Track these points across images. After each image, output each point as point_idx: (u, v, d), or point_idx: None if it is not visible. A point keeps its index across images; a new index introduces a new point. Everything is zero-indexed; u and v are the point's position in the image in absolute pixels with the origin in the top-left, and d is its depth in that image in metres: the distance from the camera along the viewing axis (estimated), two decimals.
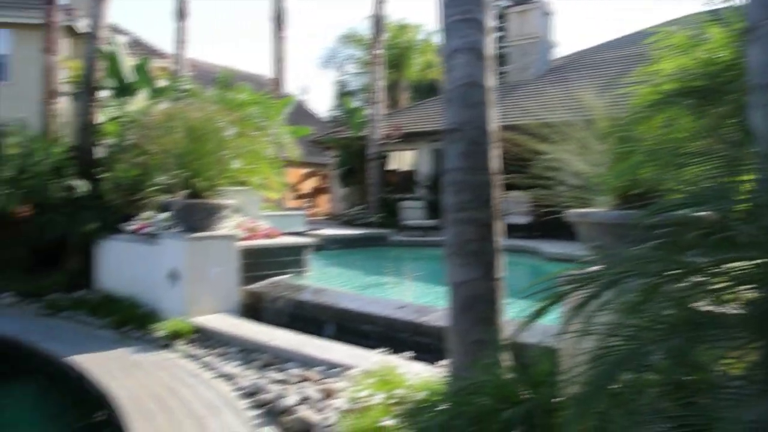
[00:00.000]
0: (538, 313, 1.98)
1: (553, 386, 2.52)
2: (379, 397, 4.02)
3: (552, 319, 2.38)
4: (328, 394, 4.59)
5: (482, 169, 3.71)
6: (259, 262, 7.78)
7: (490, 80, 3.83)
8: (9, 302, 8.58)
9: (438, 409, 3.02)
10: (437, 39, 28.98)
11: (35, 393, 6.24)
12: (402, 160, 19.85)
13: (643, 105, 3.60)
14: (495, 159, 3.78)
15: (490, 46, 3.86)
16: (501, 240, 3.77)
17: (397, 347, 5.37)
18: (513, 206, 12.74)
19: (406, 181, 19.34)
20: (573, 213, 3.63)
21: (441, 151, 17.53)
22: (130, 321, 7.10)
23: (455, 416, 2.46)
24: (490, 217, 3.71)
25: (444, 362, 4.44)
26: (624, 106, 3.98)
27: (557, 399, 2.40)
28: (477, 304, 3.64)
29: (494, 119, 3.82)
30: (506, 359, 3.28)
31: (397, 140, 18.47)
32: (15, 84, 17.81)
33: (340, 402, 4.30)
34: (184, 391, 5.11)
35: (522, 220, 12.80)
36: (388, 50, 22.53)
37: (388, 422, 3.66)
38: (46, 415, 5.76)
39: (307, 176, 26.26)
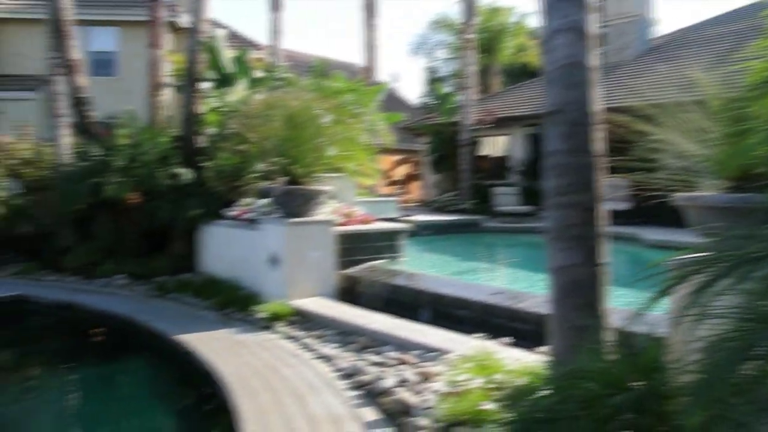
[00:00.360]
0: (654, 300, 1.91)
1: (663, 373, 2.44)
2: (477, 382, 4.02)
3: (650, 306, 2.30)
4: (426, 378, 4.62)
5: (584, 151, 3.61)
6: (355, 247, 7.91)
7: (593, 60, 3.71)
8: (121, 284, 9.13)
9: (540, 393, 2.98)
10: (530, 21, 28.31)
11: (147, 368, 6.62)
12: (494, 145, 19.60)
13: (759, 81, 3.40)
14: (597, 141, 3.67)
15: (591, 24, 3.74)
16: (604, 224, 3.67)
17: (492, 333, 5.34)
18: (611, 191, 12.34)
19: (498, 167, 19.08)
20: (681, 197, 3.48)
21: (535, 136, 17.24)
22: (232, 303, 7.39)
23: (562, 400, 2.43)
24: (593, 201, 3.60)
25: (543, 348, 4.38)
26: (737, 83, 3.76)
27: (669, 386, 2.33)
28: (579, 289, 3.56)
29: (596, 100, 3.70)
30: (610, 346, 3.20)
31: (489, 126, 18.24)
32: (123, 78, 18.85)
33: (438, 385, 4.32)
34: (286, 371, 5.28)
35: (620, 205, 12.36)
36: (479, 34, 22.22)
37: (488, 406, 3.65)
38: (156, 388, 6.11)
39: (399, 163, 26.39)
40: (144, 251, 9.61)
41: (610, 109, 4.00)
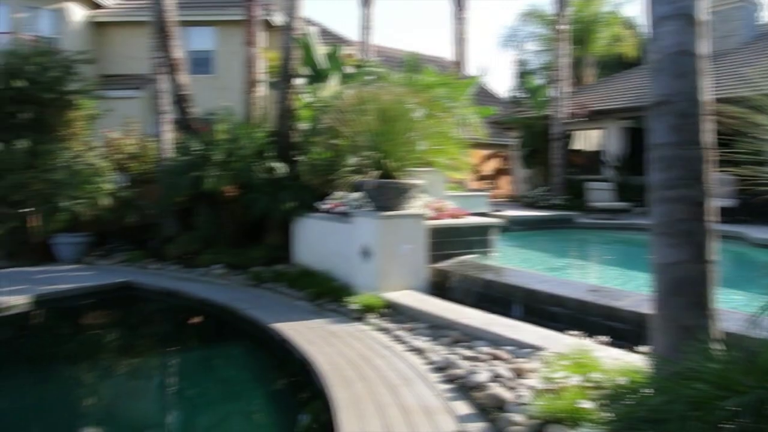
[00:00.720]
0: None
1: None
2: (574, 380, 3.93)
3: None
4: (519, 374, 4.56)
5: (693, 143, 3.46)
6: (446, 241, 7.89)
7: (702, 47, 3.54)
8: (219, 273, 9.49)
9: (644, 393, 2.89)
10: (625, 10, 27.26)
11: (244, 353, 6.87)
12: (587, 139, 19.05)
13: None
14: (707, 132, 3.50)
15: (701, 10, 3.57)
16: (713, 220, 3.50)
17: (588, 331, 5.21)
18: (716, 187, 11.74)
19: (592, 161, 18.55)
20: None
21: (632, 130, 16.61)
22: (325, 294, 7.55)
23: (670, 401, 2.33)
24: (702, 195, 3.45)
25: (642, 348, 4.24)
26: None
27: None
28: (686, 287, 3.41)
29: (706, 89, 3.53)
30: (720, 347, 3.05)
31: (582, 119, 17.75)
32: (220, 76, 19.53)
33: (532, 382, 4.26)
34: (378, 361, 5.34)
35: (725, 202, 11.75)
36: (572, 25, 21.62)
37: (586, 405, 3.57)
38: (253, 373, 6.32)
39: (489, 157, 26.09)
40: (240, 242, 9.95)
41: (718, 100, 3.82)
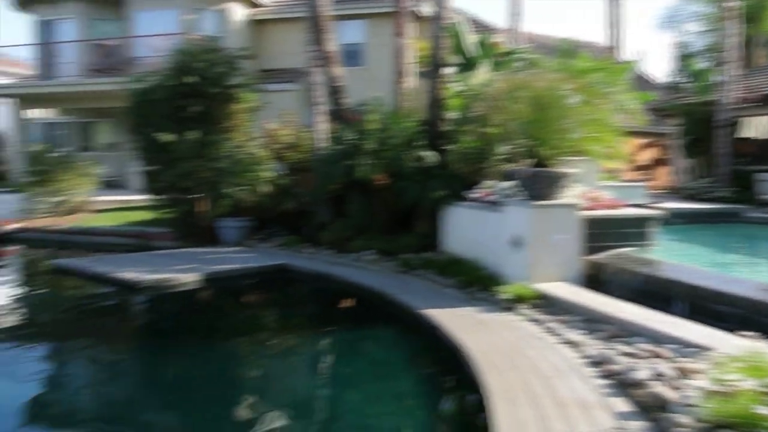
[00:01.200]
0: None
1: None
2: (749, 383, 3.65)
3: None
4: (684, 373, 4.31)
5: None
6: (601, 232, 7.59)
7: None
8: (371, 259, 9.76)
9: None
10: None
11: (394, 337, 7.03)
12: (758, 126, 17.48)
13: None
14: None
15: None
16: None
17: (762, 332, 4.82)
18: None
19: (763, 150, 17.01)
20: None
21: None
22: (475, 282, 7.54)
23: None
24: None
25: None
26: None
27: None
28: None
29: None
30: None
31: (752, 104, 16.31)
32: (369, 68, 20.02)
33: (700, 383, 4.00)
34: (530, 352, 5.27)
35: None
36: (742, 2, 19.88)
37: (763, 411, 3.31)
38: (402, 357, 6.46)
39: (646, 146, 24.69)
40: (390, 229, 10.17)
41: None
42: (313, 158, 11.51)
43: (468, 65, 11.74)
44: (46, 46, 22.63)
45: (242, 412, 5.20)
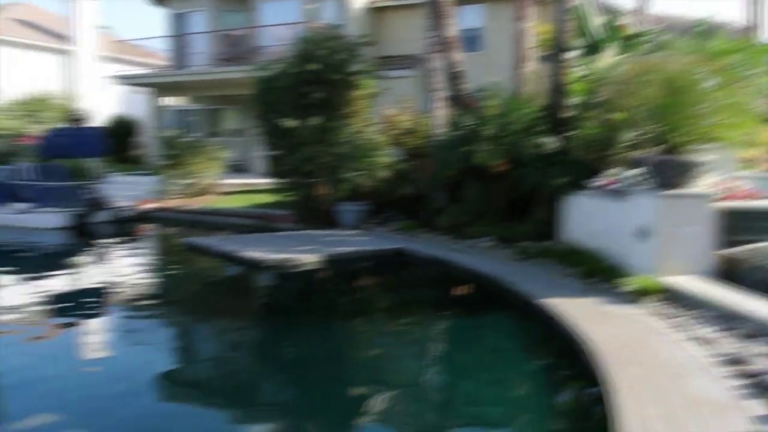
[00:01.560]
0: None
1: None
2: None
3: None
4: None
5: None
6: (737, 225, 7.10)
7: None
8: (487, 246, 9.69)
9: None
10: None
11: (511, 325, 6.96)
12: None
13: None
14: None
15: None
16: None
17: None
18: None
19: None
20: None
21: None
22: (596, 273, 7.31)
23: None
24: None
25: None
26: None
27: None
28: None
29: None
30: None
31: None
32: (488, 53, 19.76)
33: None
34: (655, 347, 5.07)
35: None
36: None
37: None
38: (519, 345, 6.40)
39: None
40: (507, 216, 10.03)
41: None
42: (431, 144, 11.54)
43: (593, 49, 11.27)
44: (179, 37, 24.01)
45: (357, 391, 5.36)
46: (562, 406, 4.86)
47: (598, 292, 6.89)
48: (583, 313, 6.04)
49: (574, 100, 10.16)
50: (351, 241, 10.45)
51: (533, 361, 5.96)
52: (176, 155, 16.18)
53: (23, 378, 5.24)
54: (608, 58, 10.64)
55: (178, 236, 12.80)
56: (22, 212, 13.64)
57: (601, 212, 8.24)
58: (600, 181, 8.41)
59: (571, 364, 5.27)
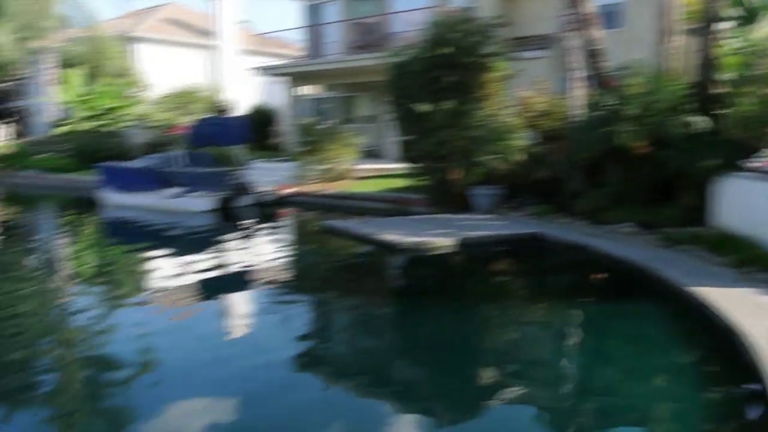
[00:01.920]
0: None
1: None
2: None
3: None
4: None
5: None
6: None
7: None
8: (627, 231, 9.27)
9: None
10: None
11: (655, 314, 6.63)
12: None
13: None
14: None
15: None
16: None
17: None
18: None
19: None
20: None
21: None
22: (753, 262, 6.83)
23: None
24: None
25: None
26: None
27: None
28: None
29: None
30: None
31: None
32: (627, 29, 18.72)
33: None
34: None
35: None
36: None
37: None
38: (666, 335, 6.09)
39: None
40: (649, 200, 9.54)
41: None
42: (568, 126, 11.18)
43: (749, 18, 10.43)
44: (314, 27, 24.74)
45: (490, 375, 5.33)
46: (717, 401, 4.57)
47: (754, 282, 6.42)
48: (738, 305, 5.66)
49: (727, 75, 9.45)
50: (485, 225, 10.37)
51: (682, 352, 5.65)
52: (313, 142, 16.74)
53: (180, 349, 5.69)
54: (767, 27, 9.79)
55: (315, 219, 13.29)
56: (174, 197, 14.70)
57: (759, 196, 7.62)
58: (758, 162, 7.78)
59: (726, 357, 4.97)
